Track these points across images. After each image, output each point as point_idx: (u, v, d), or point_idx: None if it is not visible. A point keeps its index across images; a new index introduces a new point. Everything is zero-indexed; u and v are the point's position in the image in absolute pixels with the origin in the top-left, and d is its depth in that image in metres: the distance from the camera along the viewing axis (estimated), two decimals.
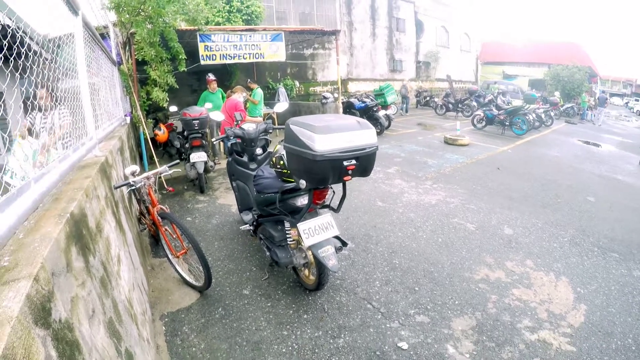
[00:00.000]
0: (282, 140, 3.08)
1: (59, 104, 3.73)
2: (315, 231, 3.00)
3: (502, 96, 17.08)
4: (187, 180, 6.90)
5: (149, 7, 6.85)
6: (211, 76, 8.75)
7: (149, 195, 3.50)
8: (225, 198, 6.15)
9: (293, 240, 3.28)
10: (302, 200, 3.27)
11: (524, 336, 3.09)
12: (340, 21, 20.92)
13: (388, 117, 12.66)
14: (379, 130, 12.21)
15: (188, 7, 7.37)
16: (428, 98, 23.12)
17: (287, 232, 3.28)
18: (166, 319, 3.23)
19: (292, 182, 3.09)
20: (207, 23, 9.36)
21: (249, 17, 13.33)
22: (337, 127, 2.67)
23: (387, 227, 5.09)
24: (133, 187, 3.07)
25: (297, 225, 2.98)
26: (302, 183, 2.83)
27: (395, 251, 4.41)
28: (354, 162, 2.68)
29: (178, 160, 3.89)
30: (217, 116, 5.06)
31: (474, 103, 18.66)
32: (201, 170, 6.33)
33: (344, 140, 2.65)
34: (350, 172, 2.71)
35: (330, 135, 2.59)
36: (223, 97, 8.87)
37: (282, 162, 3.13)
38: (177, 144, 8.20)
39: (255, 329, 3.08)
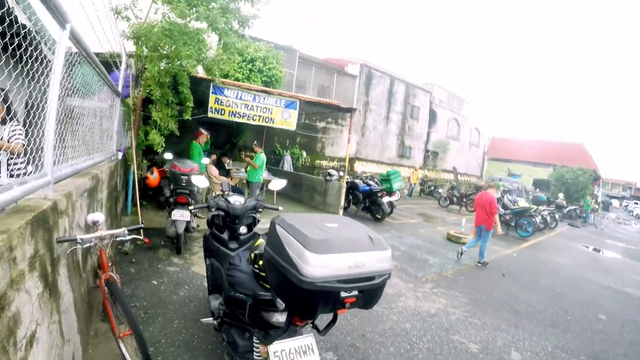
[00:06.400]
0: (266, 233, 2.39)
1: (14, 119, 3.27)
2: (289, 355, 2.34)
3: (509, 194, 16.79)
4: (166, 236, 6.26)
5: (166, 46, 6.60)
6: (203, 130, 8.51)
7: (100, 258, 2.89)
8: (201, 266, 5.47)
9: (261, 356, 2.58)
10: (279, 318, 2.50)
11: None
12: (357, 100, 21.21)
13: (391, 204, 12.19)
14: (379, 217, 11.77)
15: (205, 54, 7.11)
16: (432, 188, 22.90)
17: (255, 344, 2.60)
18: None
19: (269, 289, 2.39)
20: (225, 76, 9.16)
21: (269, 80, 13.31)
22: (340, 244, 1.93)
23: (377, 339, 4.38)
24: (78, 246, 2.46)
25: (269, 345, 2.34)
26: (280, 303, 2.18)
27: None
28: (355, 293, 1.96)
29: (142, 225, 3.28)
30: (201, 182, 4.35)
31: None
32: (181, 230, 5.75)
33: (347, 263, 1.91)
34: (347, 304, 1.98)
35: (329, 255, 1.87)
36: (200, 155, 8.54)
37: (261, 262, 2.47)
38: (166, 192, 7.67)
39: None
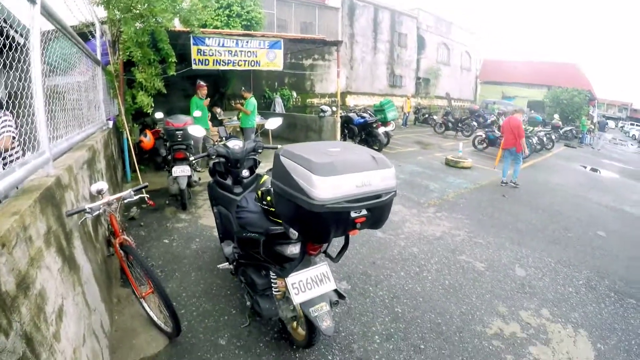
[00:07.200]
0: (270, 170, 2.44)
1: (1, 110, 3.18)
2: (307, 285, 2.42)
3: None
4: (170, 194, 6.33)
5: (138, 5, 6.34)
6: (202, 82, 8.23)
7: (111, 223, 2.94)
8: (208, 218, 5.59)
9: (279, 291, 2.70)
10: (293, 250, 2.56)
11: None
12: (342, 33, 20.63)
13: (387, 134, 12.14)
14: (377, 148, 11.70)
15: (180, 5, 6.85)
16: (427, 115, 22.77)
17: (272, 280, 2.71)
18: None
19: (281, 223, 2.44)
20: (204, 26, 8.87)
21: (249, 23, 12.90)
22: (345, 165, 1.96)
23: (387, 265, 4.55)
24: (88, 216, 2.52)
25: (286, 278, 2.41)
26: (293, 233, 2.23)
27: (397, 296, 3.87)
28: (364, 212, 2.00)
29: (146, 184, 3.28)
30: (197, 131, 4.27)
31: (474, 123, 18.31)
32: (184, 185, 5.78)
33: (354, 183, 1.95)
34: (358, 225, 2.02)
35: (335, 177, 1.90)
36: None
37: (269, 198, 2.52)
38: (162, 152, 7.66)
39: None
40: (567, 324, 3.65)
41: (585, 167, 13.73)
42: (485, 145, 14.16)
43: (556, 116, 22.84)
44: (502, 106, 25.82)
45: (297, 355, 2.91)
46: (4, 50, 2.06)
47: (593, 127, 24.17)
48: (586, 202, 8.43)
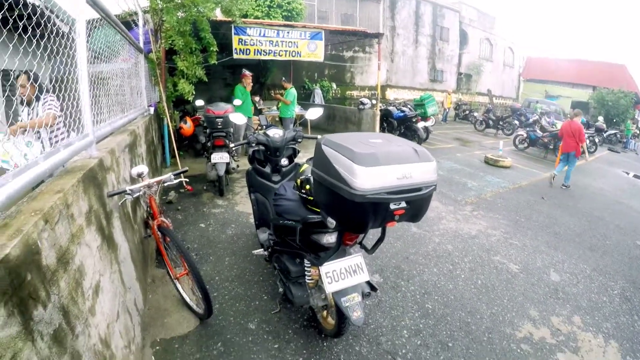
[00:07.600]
0: (310, 159, 2.46)
1: (46, 92, 3.33)
2: (340, 275, 2.42)
3: (547, 117, 16.14)
4: (208, 180, 6.47)
5: None
6: (247, 72, 8.30)
7: (150, 206, 3.03)
8: (245, 205, 5.69)
9: (312, 279, 2.71)
10: (329, 239, 2.58)
11: None
12: (383, 25, 20.39)
13: (427, 130, 11.94)
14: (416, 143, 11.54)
15: None
16: (467, 112, 22.26)
17: (306, 268, 2.71)
18: (157, 347, 2.78)
19: (318, 212, 2.45)
20: (245, 16, 8.96)
21: (289, 14, 12.94)
22: (387, 157, 1.93)
23: (421, 260, 4.51)
24: (129, 197, 2.60)
25: (320, 267, 2.42)
26: (331, 222, 2.21)
27: (428, 292, 3.83)
28: (403, 205, 1.96)
29: (186, 168, 3.35)
30: (238, 119, 4.33)
31: (516, 121, 17.77)
32: (222, 172, 5.88)
33: (395, 175, 1.91)
34: (397, 217, 1.99)
35: (377, 168, 1.87)
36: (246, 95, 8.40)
37: (308, 187, 2.52)
38: (202, 139, 7.83)
39: None
40: (599, 333, 3.52)
41: (628, 173, 13.05)
42: (526, 145, 13.69)
43: (600, 118, 21.79)
44: (545, 105, 24.87)
45: (325, 344, 2.93)
46: (52, 37, 2.14)
47: (638, 131, 22.96)
48: (627, 209, 8.06)
